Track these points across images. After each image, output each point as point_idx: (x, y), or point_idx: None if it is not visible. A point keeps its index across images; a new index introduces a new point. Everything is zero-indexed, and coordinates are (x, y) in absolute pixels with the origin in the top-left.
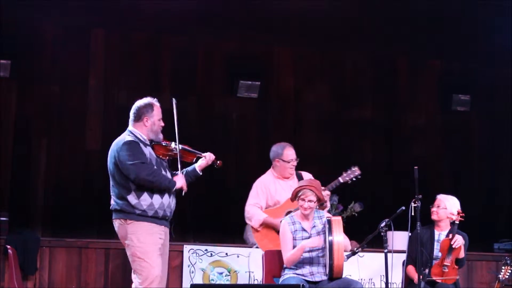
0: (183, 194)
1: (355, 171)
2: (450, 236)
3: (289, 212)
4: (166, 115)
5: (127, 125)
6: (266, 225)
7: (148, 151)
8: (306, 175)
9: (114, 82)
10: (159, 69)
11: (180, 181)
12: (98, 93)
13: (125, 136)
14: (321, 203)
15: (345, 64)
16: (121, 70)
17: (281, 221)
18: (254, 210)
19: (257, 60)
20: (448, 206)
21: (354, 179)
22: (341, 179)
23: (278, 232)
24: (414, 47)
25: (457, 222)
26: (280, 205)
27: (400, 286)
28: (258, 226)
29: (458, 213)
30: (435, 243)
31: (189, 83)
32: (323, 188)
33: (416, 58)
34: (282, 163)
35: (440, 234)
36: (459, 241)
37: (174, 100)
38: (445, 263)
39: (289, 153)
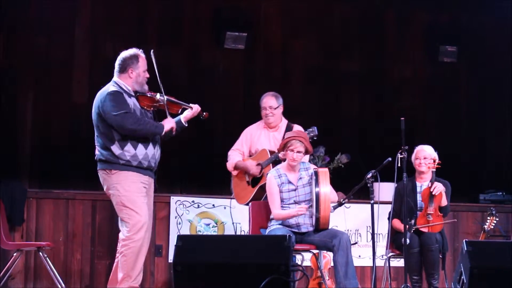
0: (173, 134)
1: (312, 131)
2: (430, 184)
3: (258, 164)
4: (152, 67)
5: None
6: (240, 171)
7: (132, 102)
8: (297, 128)
9: (101, 33)
10: (145, 20)
11: (168, 123)
12: (84, 44)
13: (109, 87)
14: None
15: (333, 16)
16: (107, 21)
17: (266, 174)
18: (233, 154)
19: (244, 11)
20: (434, 156)
21: (310, 140)
22: None
23: (247, 181)
24: None
25: (434, 170)
26: (253, 156)
27: (386, 237)
28: (231, 169)
29: (434, 161)
30: (418, 195)
31: (176, 34)
32: None
33: (403, 9)
34: (261, 110)
35: (422, 185)
36: (438, 187)
37: (152, 52)
38: (428, 212)
39: (263, 100)
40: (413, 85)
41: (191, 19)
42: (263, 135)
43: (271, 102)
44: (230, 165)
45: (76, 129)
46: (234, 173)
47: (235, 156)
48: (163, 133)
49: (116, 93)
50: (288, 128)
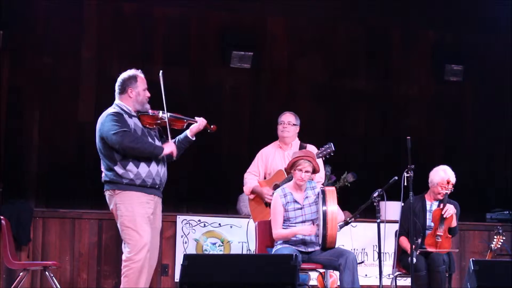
0: (174, 159)
1: (328, 148)
2: (441, 206)
3: (276, 185)
4: (157, 86)
5: None
6: (257, 194)
7: (133, 122)
8: (310, 147)
9: (107, 53)
10: (151, 40)
11: (169, 147)
12: (91, 64)
13: (109, 109)
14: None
15: (339, 34)
16: (113, 41)
17: (272, 193)
18: (249, 177)
19: (250, 30)
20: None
21: (327, 156)
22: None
23: (265, 203)
24: (407, 17)
25: (447, 192)
26: (270, 177)
27: (392, 256)
28: (248, 193)
29: (448, 182)
30: (427, 213)
31: (182, 54)
32: None
33: (409, 28)
34: (278, 126)
35: (432, 204)
36: (450, 210)
37: (161, 72)
38: (438, 233)
39: (283, 116)
40: (419, 103)
41: (197, 38)
42: (278, 155)
43: (290, 118)
44: (247, 189)
45: (82, 148)
46: (251, 197)
47: (251, 180)
48: (162, 155)
49: (115, 114)
50: (301, 148)
